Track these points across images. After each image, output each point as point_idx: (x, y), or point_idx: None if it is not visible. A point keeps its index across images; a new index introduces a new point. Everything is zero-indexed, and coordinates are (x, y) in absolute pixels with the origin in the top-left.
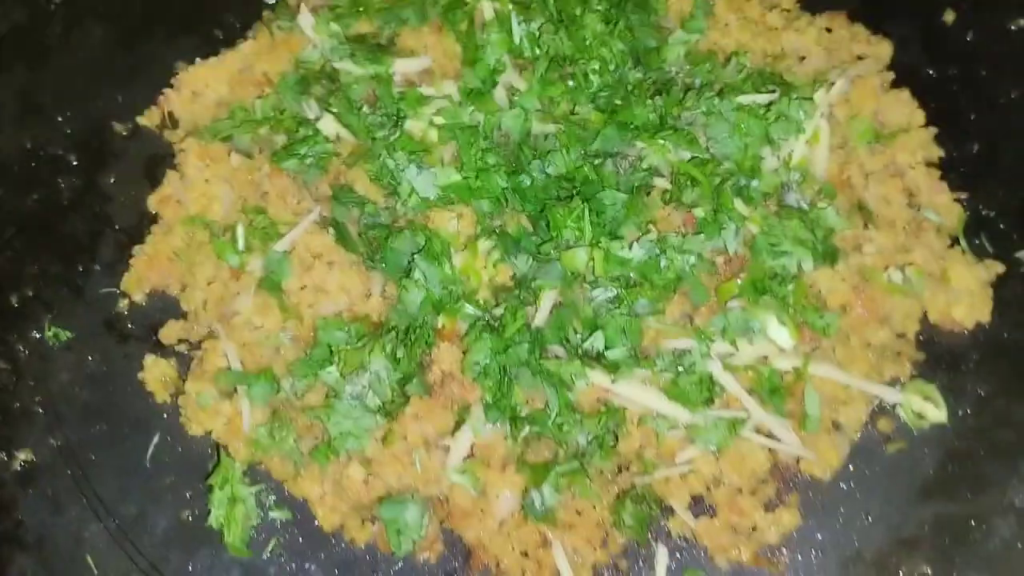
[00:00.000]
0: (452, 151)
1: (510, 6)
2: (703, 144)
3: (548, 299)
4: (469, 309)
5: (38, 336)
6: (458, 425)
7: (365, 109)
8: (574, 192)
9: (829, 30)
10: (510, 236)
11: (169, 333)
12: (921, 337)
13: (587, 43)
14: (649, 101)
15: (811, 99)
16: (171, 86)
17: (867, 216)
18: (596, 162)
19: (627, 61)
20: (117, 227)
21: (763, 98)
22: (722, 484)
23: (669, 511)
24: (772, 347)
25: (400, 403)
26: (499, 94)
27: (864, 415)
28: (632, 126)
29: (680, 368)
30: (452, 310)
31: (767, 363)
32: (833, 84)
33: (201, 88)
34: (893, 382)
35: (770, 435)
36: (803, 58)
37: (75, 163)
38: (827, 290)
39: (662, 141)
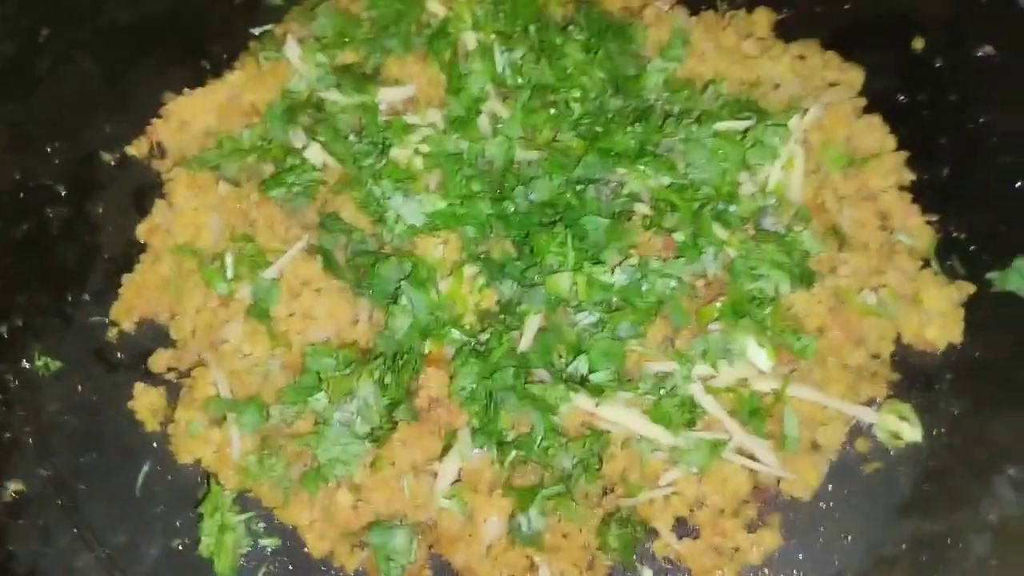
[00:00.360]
0: (437, 179)
1: (493, 36)
2: (682, 170)
3: (533, 324)
4: (455, 334)
5: (27, 366)
6: (446, 450)
7: (352, 138)
8: (557, 218)
9: (803, 57)
10: (495, 262)
11: (158, 361)
12: (896, 358)
13: (568, 72)
14: (629, 128)
15: (786, 125)
16: (159, 116)
17: (841, 239)
18: (578, 188)
19: (607, 89)
20: (106, 256)
21: (740, 125)
22: (705, 506)
23: (653, 533)
24: (752, 369)
25: (388, 429)
26: (483, 122)
27: (842, 435)
28: (613, 153)
29: (662, 391)
30: (439, 336)
31: (747, 385)
32: (807, 111)
33: (189, 118)
34: (869, 402)
35: (751, 456)
36: (778, 85)
37: (63, 193)
38: (804, 312)
39: (642, 167)
